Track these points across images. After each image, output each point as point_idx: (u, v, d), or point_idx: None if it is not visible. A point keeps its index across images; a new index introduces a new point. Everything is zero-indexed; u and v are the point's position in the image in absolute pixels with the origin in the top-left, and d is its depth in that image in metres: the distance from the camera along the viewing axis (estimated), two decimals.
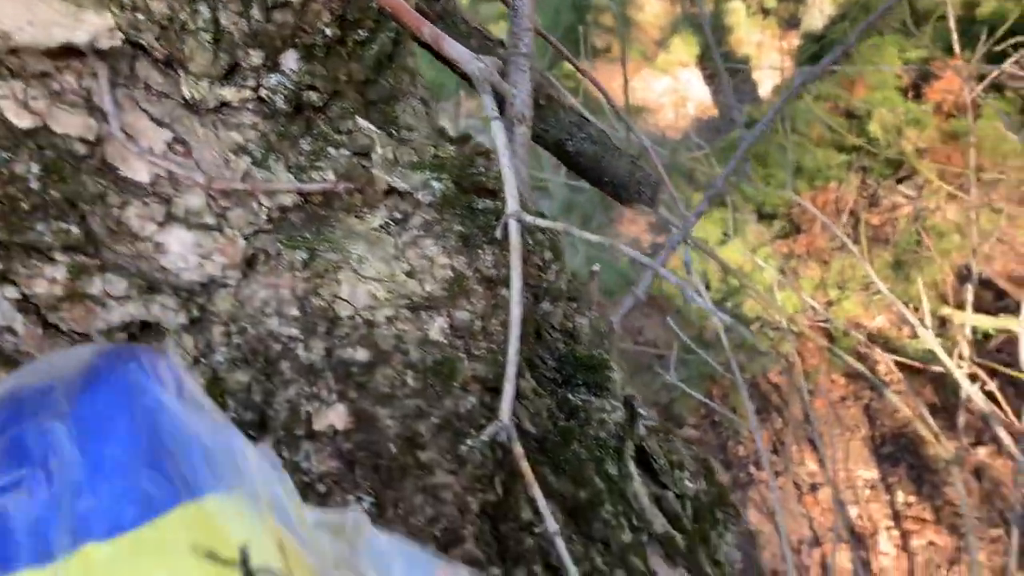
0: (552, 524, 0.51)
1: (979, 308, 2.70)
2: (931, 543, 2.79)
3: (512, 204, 0.52)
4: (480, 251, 0.54)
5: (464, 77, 0.61)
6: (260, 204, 0.51)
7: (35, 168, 0.47)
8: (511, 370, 0.50)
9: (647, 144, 0.84)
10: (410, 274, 0.51)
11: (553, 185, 3.69)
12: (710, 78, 4.70)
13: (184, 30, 0.49)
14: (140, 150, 0.49)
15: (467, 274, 0.52)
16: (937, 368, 2.22)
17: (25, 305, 0.48)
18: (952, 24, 2.42)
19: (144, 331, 0.49)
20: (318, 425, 0.47)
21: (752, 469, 3.03)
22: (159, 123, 0.50)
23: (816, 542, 2.83)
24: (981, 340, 2.74)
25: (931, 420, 2.29)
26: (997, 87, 2.94)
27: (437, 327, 0.50)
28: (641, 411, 0.69)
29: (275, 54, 0.52)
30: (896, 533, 2.84)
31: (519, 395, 0.54)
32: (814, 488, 2.97)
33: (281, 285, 0.49)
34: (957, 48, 2.47)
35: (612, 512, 0.58)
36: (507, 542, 0.51)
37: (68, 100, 0.48)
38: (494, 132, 0.53)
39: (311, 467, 0.47)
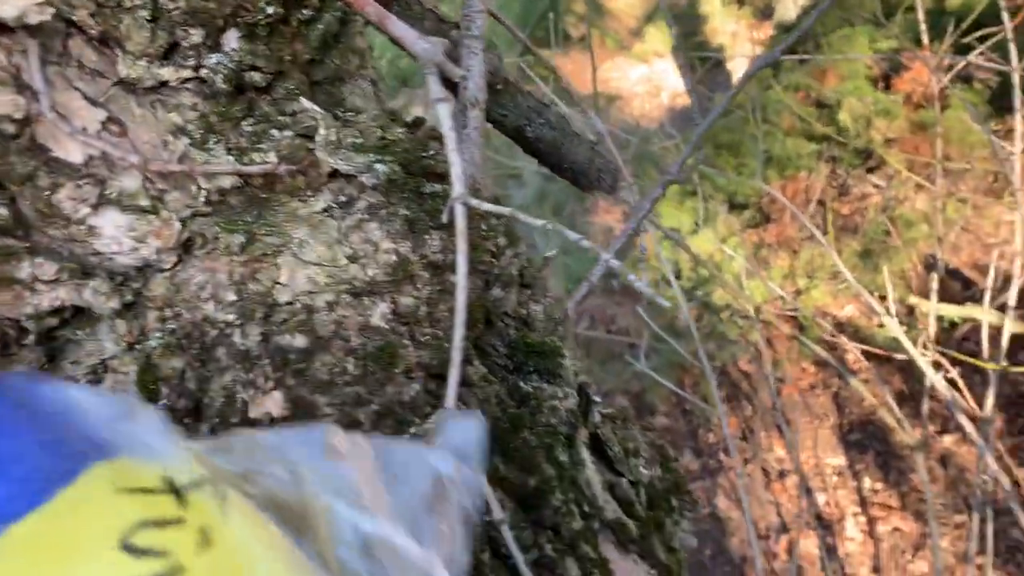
0: (499, 512, 0.50)
1: (946, 297, 2.73)
2: (896, 529, 2.83)
3: (458, 187, 0.51)
4: (427, 236, 0.53)
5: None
6: (198, 186, 0.50)
7: None
8: (456, 356, 0.49)
9: (601, 128, 0.84)
10: (352, 258, 0.50)
11: (527, 173, 3.68)
12: (686, 68, 4.71)
13: (120, 7, 0.48)
14: (73, 130, 0.48)
15: (412, 259, 0.51)
16: (903, 356, 2.25)
17: None
18: (921, 15, 2.44)
19: (76, 316, 0.47)
20: (254, 413, 0.46)
21: (722, 456, 3.05)
22: (93, 102, 0.49)
23: (784, 528, 2.86)
24: (948, 329, 2.78)
25: (896, 408, 2.32)
26: (966, 78, 2.97)
27: (379, 313, 0.49)
28: (596, 398, 0.69)
29: (216, 33, 0.51)
30: (863, 519, 2.88)
31: (467, 382, 0.54)
32: (782, 475, 3.00)
33: (218, 269, 0.48)
34: (926, 39, 2.49)
35: (562, 499, 0.57)
36: None
37: None
38: (439, 115, 0.52)
39: None
